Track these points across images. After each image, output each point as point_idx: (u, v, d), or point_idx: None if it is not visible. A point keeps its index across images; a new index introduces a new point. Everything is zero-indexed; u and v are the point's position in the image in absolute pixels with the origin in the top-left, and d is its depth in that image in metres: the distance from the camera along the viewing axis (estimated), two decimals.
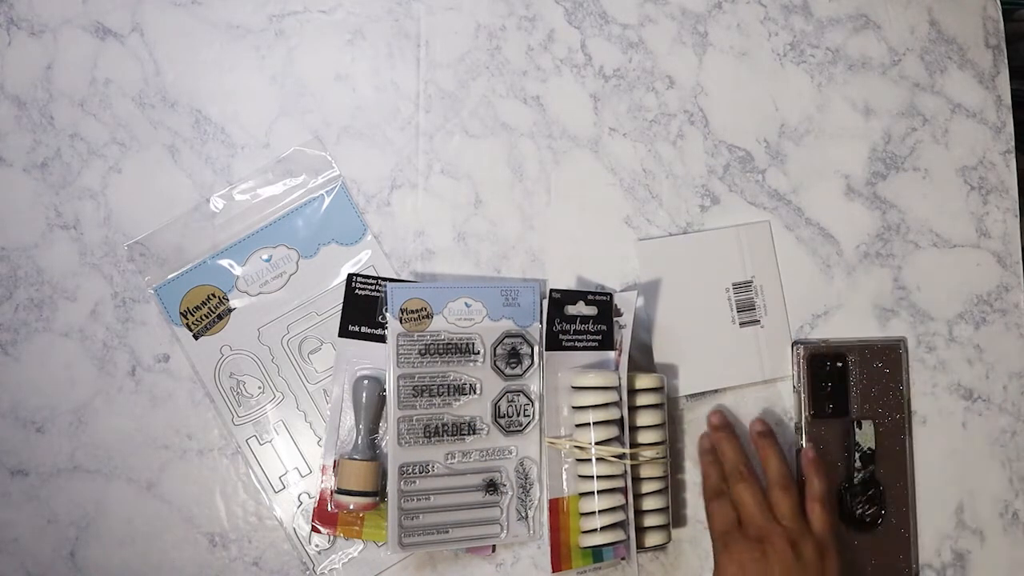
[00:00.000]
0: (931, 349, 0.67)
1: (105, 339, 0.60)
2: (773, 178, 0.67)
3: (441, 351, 0.58)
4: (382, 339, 0.58)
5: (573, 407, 0.58)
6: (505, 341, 0.60)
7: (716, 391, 0.64)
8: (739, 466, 0.58)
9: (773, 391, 0.65)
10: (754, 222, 0.66)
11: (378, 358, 0.58)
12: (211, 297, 0.61)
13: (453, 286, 0.59)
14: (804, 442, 0.62)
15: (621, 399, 0.58)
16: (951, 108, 0.69)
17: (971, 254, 0.68)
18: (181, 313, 0.60)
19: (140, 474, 0.60)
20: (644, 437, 0.58)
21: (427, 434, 0.57)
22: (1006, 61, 0.70)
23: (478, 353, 0.59)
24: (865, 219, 0.67)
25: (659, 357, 0.63)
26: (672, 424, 0.63)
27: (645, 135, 0.66)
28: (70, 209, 0.61)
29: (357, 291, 0.59)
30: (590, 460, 0.57)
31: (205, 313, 0.60)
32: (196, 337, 0.60)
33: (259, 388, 0.61)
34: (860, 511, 0.62)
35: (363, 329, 0.59)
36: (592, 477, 0.57)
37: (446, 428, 0.58)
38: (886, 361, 0.65)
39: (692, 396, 0.63)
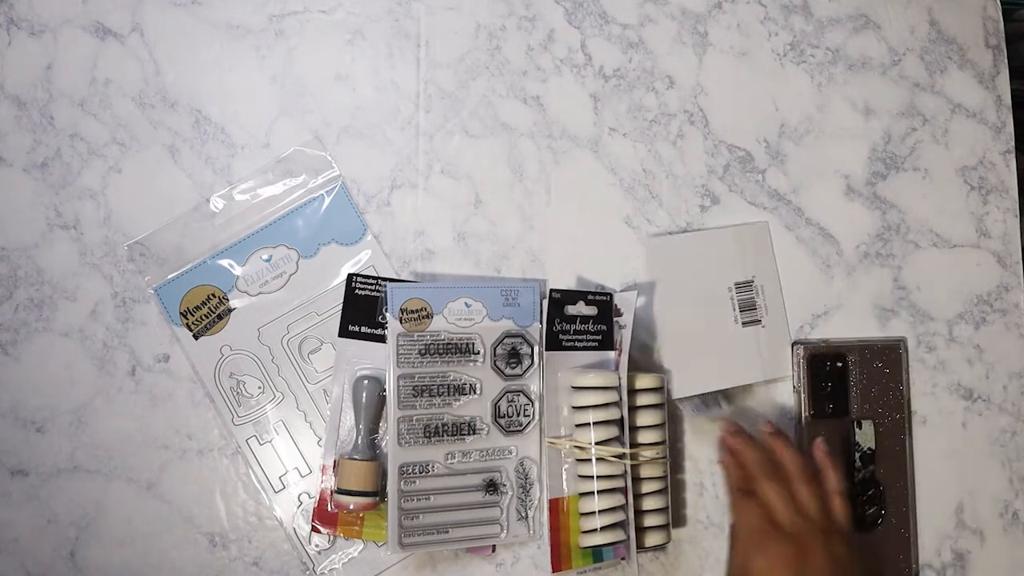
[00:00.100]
0: (931, 349, 0.67)
1: (105, 339, 0.60)
2: (773, 178, 0.67)
3: (441, 351, 0.58)
4: (382, 339, 0.58)
5: (573, 407, 0.58)
6: (505, 341, 0.60)
7: (715, 391, 0.64)
8: (764, 464, 0.56)
9: (773, 391, 0.65)
10: (754, 222, 0.66)
11: (378, 358, 0.58)
12: (211, 297, 0.61)
13: (453, 286, 0.59)
14: (807, 438, 0.62)
15: (621, 399, 0.58)
16: (951, 108, 0.69)
17: (971, 254, 0.68)
18: (181, 313, 0.60)
19: (140, 474, 0.60)
20: (644, 437, 0.58)
21: (427, 434, 0.57)
22: (1006, 61, 0.70)
23: (478, 353, 0.59)
24: (865, 219, 0.67)
25: (664, 355, 0.63)
26: (672, 424, 0.63)
27: (645, 135, 0.66)
28: (70, 209, 0.61)
29: (357, 291, 0.59)
30: (590, 460, 0.57)
31: (205, 313, 0.60)
32: (196, 337, 0.60)
33: (259, 388, 0.61)
34: (860, 511, 0.62)
35: (363, 329, 0.59)
36: (592, 477, 0.57)
37: (446, 428, 0.58)
38: (886, 361, 0.65)
39: (700, 408, 0.62)
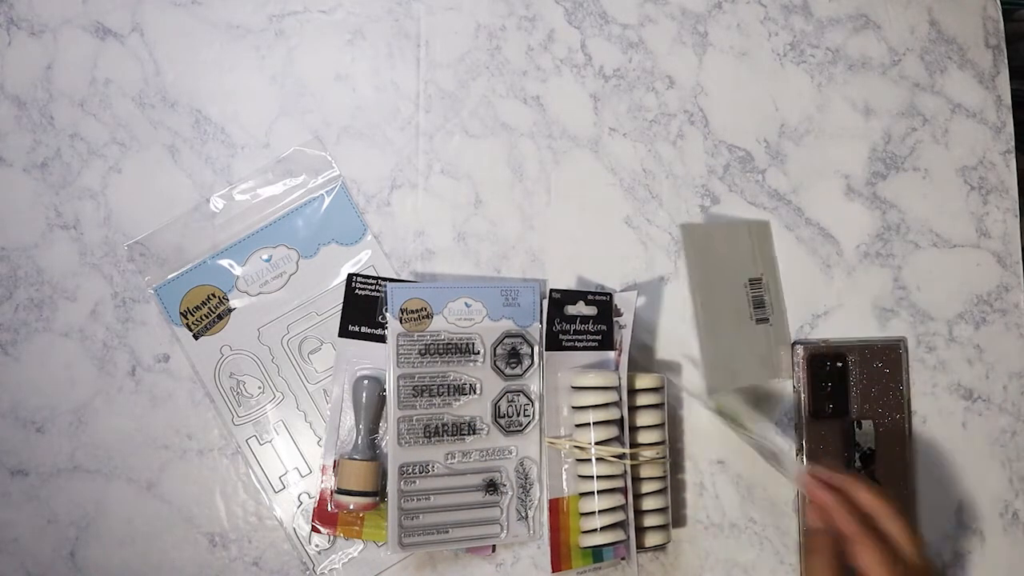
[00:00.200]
0: (931, 349, 0.67)
1: (105, 339, 0.60)
2: (773, 178, 0.67)
3: (441, 351, 0.58)
4: (382, 339, 0.58)
5: (573, 407, 0.58)
6: (505, 341, 0.60)
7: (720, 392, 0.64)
8: (860, 526, 0.50)
9: (773, 391, 0.65)
10: (757, 220, 0.66)
11: (378, 358, 0.58)
12: (211, 297, 0.61)
13: (453, 286, 0.59)
14: (807, 438, 0.62)
15: (621, 399, 0.58)
16: (951, 108, 0.69)
17: (971, 254, 0.68)
18: (181, 313, 0.60)
19: (140, 474, 0.60)
20: (644, 437, 0.58)
21: (427, 434, 0.57)
22: (1006, 61, 0.70)
23: (478, 353, 0.59)
24: (865, 219, 0.67)
25: (661, 352, 0.63)
26: (672, 424, 0.63)
27: (645, 135, 0.66)
28: (70, 209, 0.61)
29: (357, 291, 0.59)
30: (590, 460, 0.57)
31: (205, 313, 0.60)
32: (196, 337, 0.60)
33: (259, 388, 0.61)
34: None
35: (363, 329, 0.59)
36: (592, 477, 0.57)
37: (446, 428, 0.58)
38: (886, 361, 0.65)
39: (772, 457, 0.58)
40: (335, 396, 0.59)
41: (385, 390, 0.57)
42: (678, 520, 0.63)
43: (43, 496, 0.59)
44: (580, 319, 0.60)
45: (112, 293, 0.61)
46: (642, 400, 0.59)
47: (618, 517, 0.57)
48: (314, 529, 0.58)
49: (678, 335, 0.64)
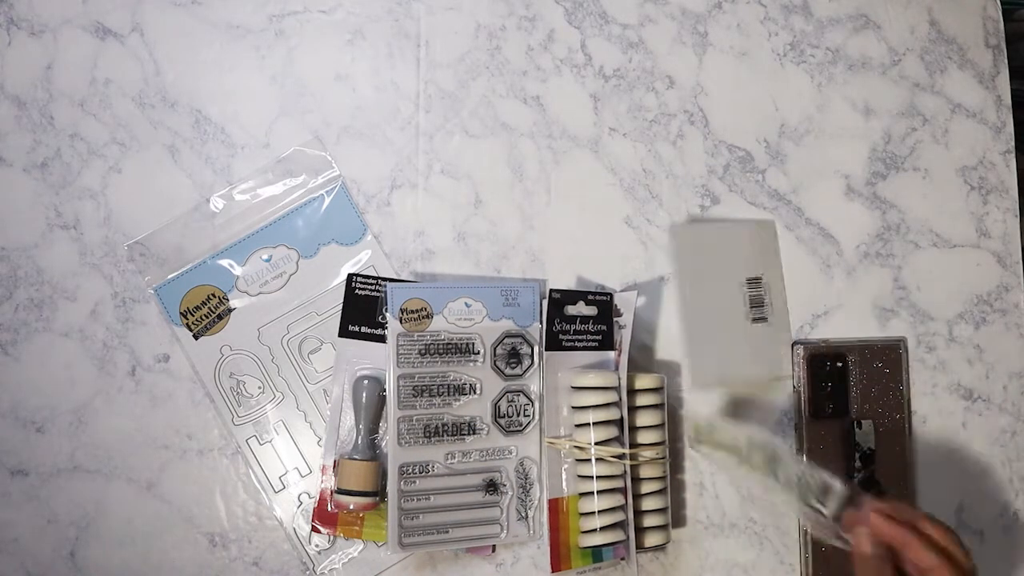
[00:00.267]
0: (931, 349, 0.67)
1: (105, 339, 0.60)
2: (773, 178, 0.67)
3: (441, 351, 0.58)
4: (382, 339, 0.58)
5: (573, 407, 0.58)
6: (505, 341, 0.60)
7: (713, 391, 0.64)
8: (940, 562, 0.48)
9: (773, 391, 0.65)
10: (764, 219, 0.66)
11: (378, 358, 0.58)
12: (211, 297, 0.61)
13: (453, 286, 0.59)
14: (807, 438, 0.62)
15: (621, 399, 0.58)
16: (951, 108, 0.69)
17: (971, 254, 0.68)
18: (181, 313, 0.60)
19: (140, 474, 0.60)
20: (644, 437, 0.58)
21: (427, 434, 0.57)
22: (1006, 61, 0.70)
23: (478, 353, 0.59)
24: (865, 219, 0.67)
25: (661, 352, 0.63)
26: (672, 424, 0.63)
27: (645, 135, 0.66)
28: (70, 209, 0.61)
29: (357, 291, 0.59)
30: (590, 460, 0.57)
31: (205, 313, 0.60)
32: (196, 337, 0.60)
33: (259, 388, 0.61)
34: None
35: (363, 329, 0.59)
36: (592, 477, 0.57)
37: (446, 428, 0.58)
38: (886, 361, 0.65)
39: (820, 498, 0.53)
40: (335, 396, 0.59)
41: (385, 390, 0.57)
42: (678, 520, 0.63)
43: (43, 496, 0.59)
44: (580, 319, 0.60)
45: (112, 293, 0.61)
46: (642, 400, 0.59)
47: (618, 517, 0.57)
48: (314, 529, 0.58)
49: (678, 335, 0.64)
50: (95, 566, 0.59)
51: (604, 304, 0.61)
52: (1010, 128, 0.69)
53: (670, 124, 0.66)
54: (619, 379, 0.58)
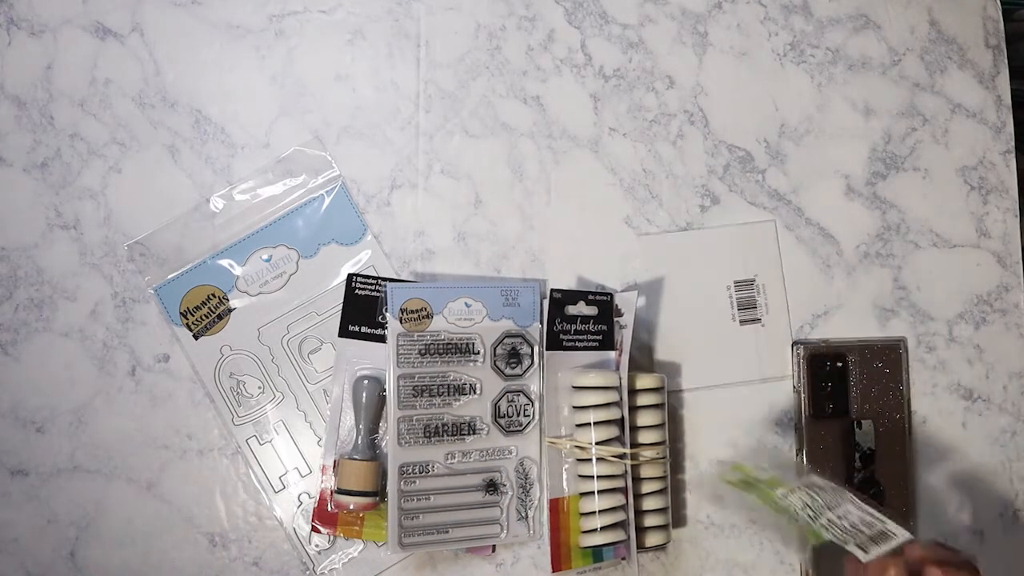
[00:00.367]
0: (931, 349, 0.67)
1: (105, 339, 0.60)
2: (773, 178, 0.67)
3: (441, 351, 0.58)
4: (382, 339, 0.58)
5: (573, 407, 0.58)
6: (505, 341, 0.60)
7: (713, 388, 0.64)
8: None
9: (773, 391, 0.65)
10: (760, 221, 0.66)
11: (378, 358, 0.58)
12: (211, 297, 0.61)
13: (453, 286, 0.59)
14: (807, 438, 0.62)
15: (621, 399, 0.58)
16: (951, 108, 0.69)
17: (971, 254, 0.68)
18: (181, 313, 0.60)
19: (140, 474, 0.60)
20: (644, 437, 0.58)
21: (427, 434, 0.57)
22: (1006, 61, 0.70)
23: (478, 353, 0.59)
24: (865, 219, 0.67)
25: (660, 352, 0.63)
26: (672, 424, 0.63)
27: (645, 135, 0.66)
28: (70, 209, 0.61)
29: (357, 291, 0.59)
30: (590, 460, 0.57)
31: (205, 313, 0.60)
32: (196, 337, 0.60)
33: (259, 388, 0.61)
34: None
35: (363, 329, 0.59)
36: (592, 477, 0.57)
37: (446, 428, 0.58)
38: (886, 361, 0.65)
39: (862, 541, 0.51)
40: (335, 396, 0.59)
41: (385, 390, 0.57)
42: (678, 520, 0.63)
43: (43, 496, 0.59)
44: (580, 319, 0.60)
45: (112, 293, 0.61)
46: (642, 400, 0.59)
47: (618, 517, 0.57)
48: (314, 529, 0.58)
49: (676, 336, 0.64)
50: (95, 566, 0.59)
51: (605, 304, 0.61)
52: (1010, 128, 0.69)
53: (670, 124, 0.66)
54: (620, 379, 0.58)
